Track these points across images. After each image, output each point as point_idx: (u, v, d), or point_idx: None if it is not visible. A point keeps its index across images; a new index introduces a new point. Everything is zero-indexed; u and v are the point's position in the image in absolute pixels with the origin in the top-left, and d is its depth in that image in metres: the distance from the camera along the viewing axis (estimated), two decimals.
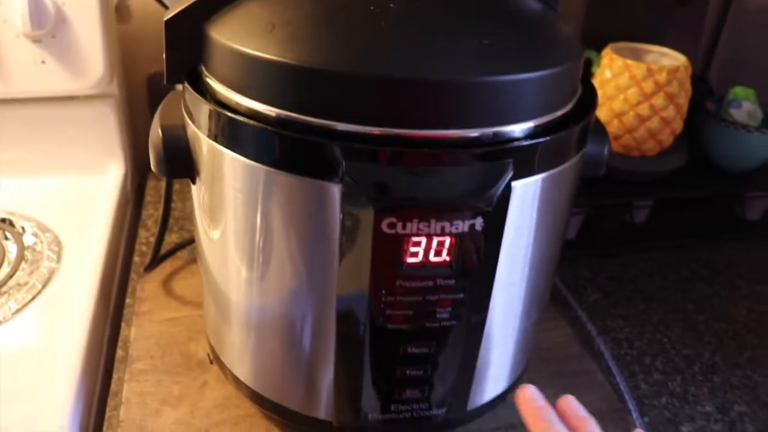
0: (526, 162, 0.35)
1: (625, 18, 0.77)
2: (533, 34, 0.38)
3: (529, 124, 0.36)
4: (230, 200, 0.39)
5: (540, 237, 0.40)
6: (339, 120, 0.33)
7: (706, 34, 0.98)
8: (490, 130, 0.34)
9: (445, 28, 0.36)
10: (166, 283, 0.64)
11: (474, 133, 0.34)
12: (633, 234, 0.76)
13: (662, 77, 0.66)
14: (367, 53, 0.33)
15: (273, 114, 0.34)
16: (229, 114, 0.35)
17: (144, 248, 0.70)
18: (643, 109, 0.67)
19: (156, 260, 0.64)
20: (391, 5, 0.36)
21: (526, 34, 0.38)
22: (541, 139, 0.35)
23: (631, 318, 0.66)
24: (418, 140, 0.33)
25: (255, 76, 0.35)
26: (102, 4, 0.71)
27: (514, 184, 0.35)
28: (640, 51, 0.72)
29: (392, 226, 0.33)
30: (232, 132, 0.36)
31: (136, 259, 0.69)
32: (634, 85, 0.66)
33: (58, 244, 0.68)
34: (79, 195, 0.77)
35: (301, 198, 0.35)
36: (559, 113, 0.38)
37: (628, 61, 0.67)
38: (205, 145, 0.38)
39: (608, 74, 0.68)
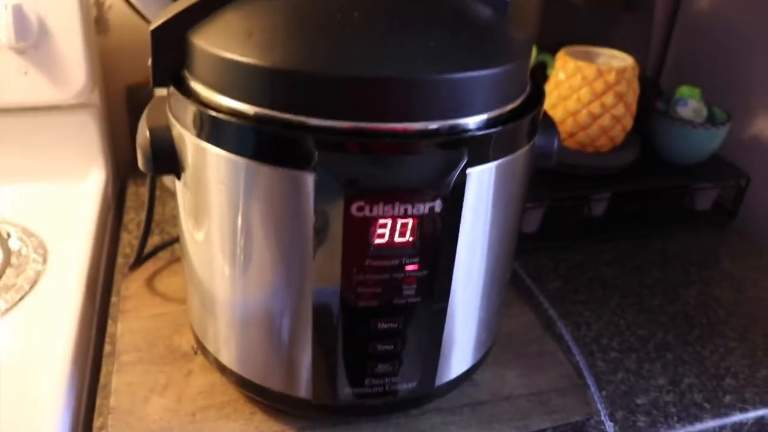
0: (480, 151, 0.40)
1: (577, 23, 0.82)
2: (485, 36, 0.43)
3: (482, 117, 0.40)
4: (214, 193, 0.42)
5: (496, 220, 0.44)
6: (312, 116, 0.37)
7: (658, 39, 1.04)
8: (447, 123, 0.38)
9: (405, 31, 0.40)
10: (150, 282, 0.67)
11: (433, 125, 0.38)
12: (591, 226, 0.81)
13: (611, 77, 0.71)
14: (336, 56, 0.37)
15: (252, 112, 0.38)
16: (213, 113, 0.39)
17: (127, 250, 0.73)
18: (595, 108, 0.72)
19: (140, 259, 0.67)
20: (355, 13, 0.40)
21: (478, 36, 0.42)
22: (493, 130, 0.40)
23: (590, 303, 0.70)
24: (383, 132, 0.37)
25: (236, 79, 0.39)
26: (83, 17, 0.74)
27: (469, 170, 0.39)
28: (591, 53, 0.77)
29: (361, 209, 0.37)
30: (215, 129, 0.40)
31: (119, 260, 0.72)
32: (586, 85, 0.71)
33: (44, 247, 0.71)
34: (62, 201, 0.79)
35: (279, 187, 0.39)
36: (509, 107, 0.42)
37: (580, 63, 0.72)
38: (191, 143, 0.42)
39: (562, 76, 0.73)
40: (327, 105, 0.37)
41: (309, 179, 0.38)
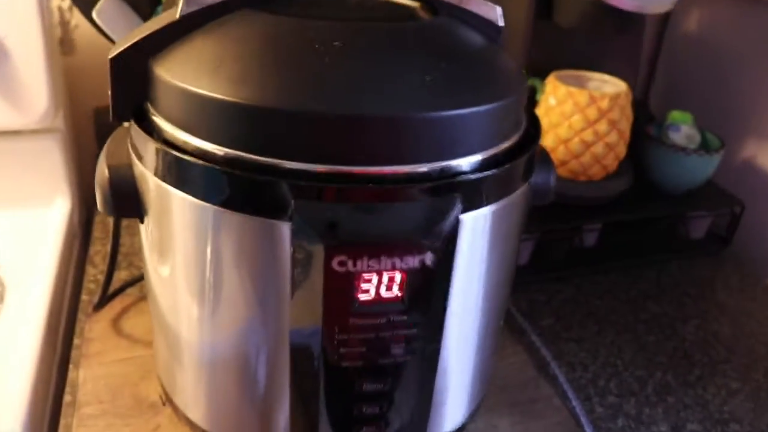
0: (474, 195, 0.36)
1: (567, 47, 0.79)
2: (477, 68, 0.39)
3: (476, 158, 0.36)
4: (179, 239, 0.38)
5: (491, 267, 0.40)
6: (287, 158, 0.33)
7: (644, 61, 1.02)
8: (437, 165, 0.35)
9: (390, 64, 0.36)
10: (116, 322, 0.62)
11: (421, 168, 0.34)
12: (584, 257, 0.77)
13: (604, 104, 0.68)
14: (314, 91, 0.33)
15: (221, 153, 0.34)
16: (177, 153, 0.35)
17: (92, 286, 0.69)
18: (588, 135, 0.69)
19: (105, 299, 0.62)
20: (336, 43, 0.36)
21: (470, 68, 0.38)
22: (489, 172, 0.36)
23: (585, 341, 0.67)
24: (366, 177, 0.33)
25: (202, 115, 0.35)
26: (45, 37, 0.69)
27: (462, 217, 0.35)
28: (581, 78, 0.74)
29: (343, 263, 0.33)
30: (180, 171, 0.36)
31: (84, 297, 0.67)
32: (578, 112, 0.68)
33: (1, 284, 0.66)
34: (23, 231, 0.75)
35: (251, 237, 0.35)
36: (505, 145, 0.39)
37: (571, 89, 0.69)
38: (153, 184, 0.38)
39: (552, 102, 0.70)
40: (304, 147, 0.33)
41: (285, 229, 0.34)
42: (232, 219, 0.35)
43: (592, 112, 0.68)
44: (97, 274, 0.71)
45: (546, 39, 0.76)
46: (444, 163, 0.35)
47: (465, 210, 0.35)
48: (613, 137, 0.69)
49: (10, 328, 0.60)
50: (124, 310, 0.64)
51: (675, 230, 0.85)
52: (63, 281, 0.69)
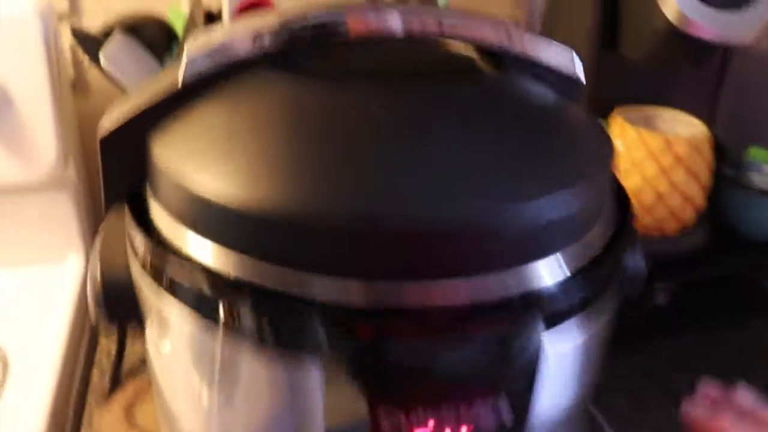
0: (558, 311, 0.28)
1: (629, 79, 0.70)
2: (560, 144, 0.31)
3: (559, 259, 0.28)
4: (182, 362, 0.31)
5: (577, 390, 0.32)
6: (318, 274, 0.25)
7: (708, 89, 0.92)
8: (511, 279, 0.26)
9: (447, 141, 0.28)
10: (128, 410, 0.55)
11: (491, 286, 0.26)
12: (656, 320, 0.68)
13: (681, 149, 0.59)
14: (348, 192, 0.25)
15: (229, 272, 0.26)
16: (174, 266, 0.27)
17: (105, 363, 0.62)
18: (662, 185, 0.59)
19: (115, 385, 0.55)
20: (375, 109, 0.29)
21: (551, 145, 0.30)
22: (578, 280, 0.28)
23: (664, 429, 0.57)
24: (420, 308, 0.25)
25: (207, 219, 0.27)
26: (53, 81, 0.63)
27: (544, 340, 0.27)
28: (650, 117, 0.65)
29: (392, 416, 0.25)
30: (179, 284, 0.28)
31: (95, 377, 0.60)
32: (651, 159, 0.59)
33: (4, 359, 0.59)
34: (32, 295, 0.68)
35: (272, 376, 0.27)
36: (593, 237, 0.30)
37: (642, 131, 0.60)
38: (147, 289, 0.30)
39: (620, 146, 0.61)
40: (336, 265, 0.25)
41: (314, 368, 0.26)
42: (245, 350, 0.27)
43: (666, 159, 0.59)
44: (110, 344, 0.64)
45: (607, 71, 0.67)
46: (519, 275, 0.27)
47: (546, 330, 0.27)
48: (692, 188, 0.60)
49: (10, 415, 0.53)
50: (139, 394, 0.56)
51: (758, 284, 0.75)
52: (74, 355, 0.63)
